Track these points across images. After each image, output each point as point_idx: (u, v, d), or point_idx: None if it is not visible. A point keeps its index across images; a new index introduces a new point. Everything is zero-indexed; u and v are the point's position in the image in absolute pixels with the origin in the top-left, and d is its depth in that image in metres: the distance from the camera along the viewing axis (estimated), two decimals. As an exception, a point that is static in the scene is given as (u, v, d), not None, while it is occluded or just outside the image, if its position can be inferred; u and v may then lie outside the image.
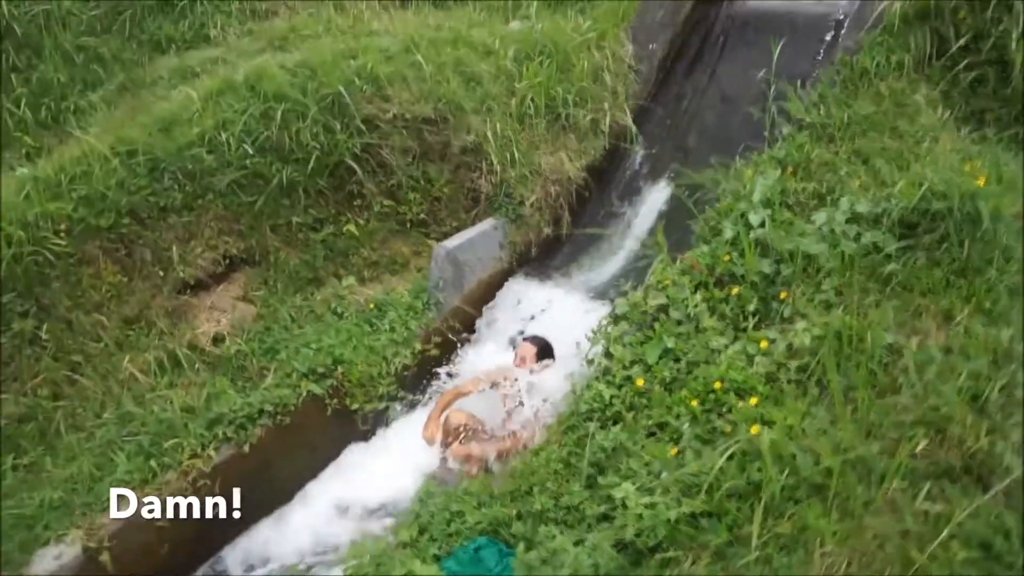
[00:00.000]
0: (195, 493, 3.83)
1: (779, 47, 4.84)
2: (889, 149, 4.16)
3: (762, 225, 3.95)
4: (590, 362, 3.84)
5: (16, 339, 4.09)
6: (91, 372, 4.27)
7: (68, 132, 5.14)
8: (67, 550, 3.45)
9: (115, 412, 4.12)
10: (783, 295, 3.63)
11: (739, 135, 5.21)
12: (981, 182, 3.57)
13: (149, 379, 4.32)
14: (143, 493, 3.71)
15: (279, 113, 4.82)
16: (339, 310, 4.91)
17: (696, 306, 3.74)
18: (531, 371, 4.42)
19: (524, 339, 4.61)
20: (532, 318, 4.97)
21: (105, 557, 3.50)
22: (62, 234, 4.22)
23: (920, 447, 2.50)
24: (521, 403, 4.25)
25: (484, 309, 5.13)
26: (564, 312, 4.93)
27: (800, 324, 3.36)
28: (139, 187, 4.50)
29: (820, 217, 3.82)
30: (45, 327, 4.17)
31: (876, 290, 3.42)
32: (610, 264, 5.35)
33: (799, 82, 4.96)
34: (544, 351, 4.52)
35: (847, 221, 3.74)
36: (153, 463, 3.81)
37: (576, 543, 2.79)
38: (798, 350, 3.28)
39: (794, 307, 3.54)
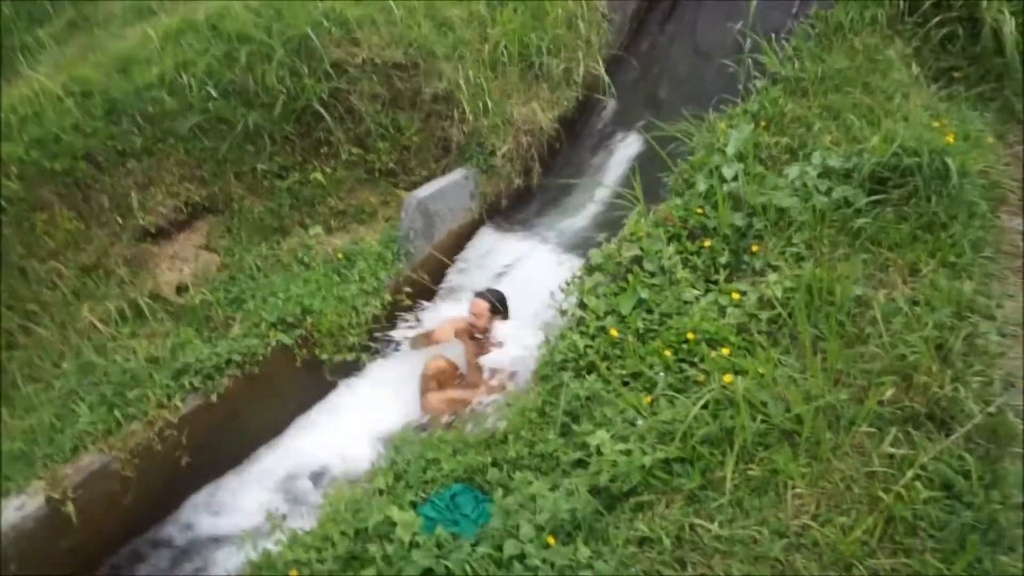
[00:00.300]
0: (162, 443, 3.77)
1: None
2: (861, 105, 4.20)
3: (735, 179, 3.96)
4: (563, 313, 3.84)
5: (-34, 287, 3.93)
6: (48, 322, 4.14)
7: (14, 71, 4.86)
8: (29, 501, 3.38)
9: (75, 362, 4.01)
10: (755, 248, 3.68)
11: (712, 88, 5.18)
12: (950, 139, 3.64)
13: (110, 329, 4.20)
14: (107, 444, 3.63)
15: (243, 55, 4.63)
16: (306, 260, 4.81)
17: (669, 258, 3.75)
18: (485, 329, 4.31)
19: (476, 295, 4.38)
20: (503, 269, 4.94)
21: (69, 508, 3.43)
22: (13, 178, 4.02)
23: (888, 395, 2.58)
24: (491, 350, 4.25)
25: (455, 260, 5.08)
26: (534, 264, 4.91)
27: (772, 276, 3.41)
28: (95, 130, 4.31)
29: (792, 171, 3.86)
30: (-2, 274, 4.01)
31: (846, 243, 3.48)
32: (580, 216, 5.32)
33: (774, 35, 4.94)
34: (496, 307, 4.35)
35: (819, 176, 3.79)
36: (117, 414, 3.73)
37: (552, 488, 2.83)
38: (769, 302, 3.33)
39: (765, 260, 3.59)
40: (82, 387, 3.85)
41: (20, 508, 3.34)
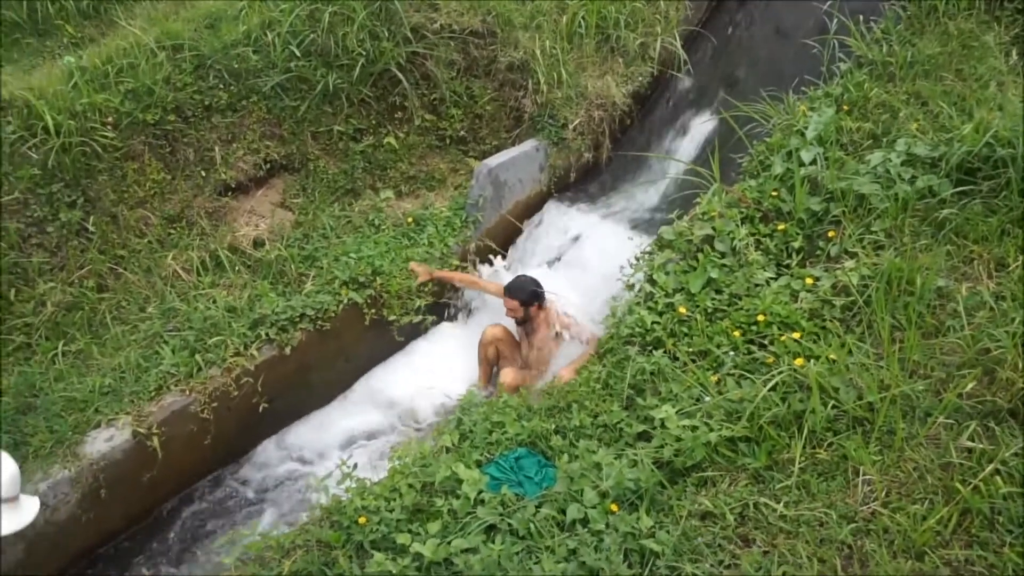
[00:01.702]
0: (238, 389, 3.95)
1: (846, -23, 4.65)
2: (952, 92, 4.05)
3: (814, 162, 3.90)
4: (631, 287, 3.86)
5: (63, 229, 4.14)
6: (135, 267, 4.34)
7: (109, 23, 5.04)
8: (118, 434, 3.59)
9: (159, 307, 4.20)
10: (831, 234, 3.62)
11: (792, 69, 5.05)
12: (1049, 131, 3.50)
13: (192, 277, 4.39)
14: (188, 387, 3.82)
15: (326, 15, 4.70)
16: (376, 222, 4.92)
17: (742, 239, 3.73)
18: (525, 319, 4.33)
19: (505, 292, 4.28)
20: (569, 242, 4.97)
21: (154, 443, 3.64)
22: (109, 127, 4.20)
23: (968, 388, 2.54)
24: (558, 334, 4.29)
25: (522, 231, 5.13)
26: (600, 238, 4.92)
27: (848, 263, 3.37)
28: (184, 84, 4.46)
29: (875, 158, 3.77)
30: (91, 219, 4.21)
31: (928, 234, 3.40)
32: (649, 194, 5.30)
33: (861, 17, 4.78)
34: (528, 300, 4.25)
35: (903, 163, 3.69)
36: (198, 358, 3.91)
37: (616, 458, 2.88)
38: (844, 288, 3.29)
39: (842, 246, 3.53)
40: (166, 331, 4.04)
41: (109, 439, 3.55)
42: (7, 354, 3.83)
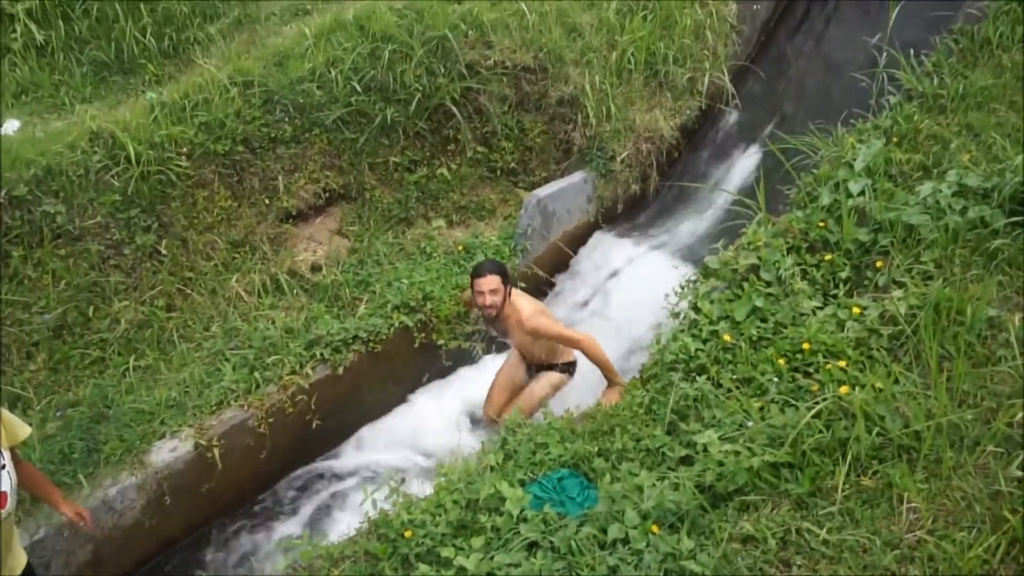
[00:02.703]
0: (293, 406, 4.12)
1: (895, 11, 4.68)
2: (1006, 123, 4.03)
3: (862, 193, 3.91)
4: (676, 315, 3.91)
5: (138, 252, 4.42)
6: (202, 288, 4.59)
7: (187, 62, 5.42)
8: (181, 445, 3.78)
9: (222, 327, 4.43)
10: (879, 264, 3.61)
11: (841, 103, 5.09)
12: (1106, 163, 3.45)
13: (253, 299, 4.62)
14: (247, 402, 4.01)
15: (386, 54, 4.97)
16: (428, 250, 5.09)
17: (787, 269, 3.75)
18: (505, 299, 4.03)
19: (476, 273, 3.98)
20: (614, 272, 5.05)
21: (214, 455, 3.82)
22: (184, 156, 4.50)
23: (1019, 417, 2.51)
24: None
25: (568, 260, 5.23)
26: (645, 268, 4.99)
27: (896, 293, 3.35)
28: (253, 117, 4.75)
29: (925, 189, 3.76)
30: (164, 243, 4.49)
31: (979, 264, 3.37)
32: (695, 225, 5.36)
33: (912, 51, 4.80)
34: (506, 276, 4.05)
35: (953, 194, 3.67)
36: (257, 375, 4.10)
37: (659, 480, 2.91)
38: (892, 318, 3.27)
39: (890, 276, 3.52)
40: (228, 349, 4.26)
41: (173, 450, 3.75)
42: (84, 367, 4.08)
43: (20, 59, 5.45)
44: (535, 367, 4.35)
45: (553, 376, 4.27)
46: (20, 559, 2.84)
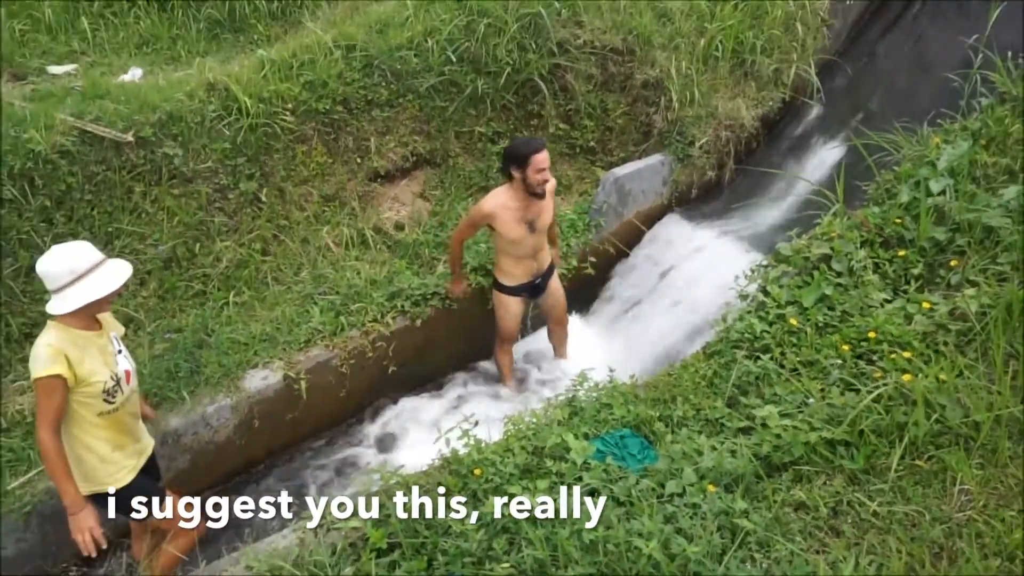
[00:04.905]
0: (372, 351, 4.42)
1: (996, 13, 4.63)
2: (1101, 132, 3.98)
3: (942, 193, 3.94)
4: (744, 297, 4.03)
5: (241, 197, 4.76)
6: (294, 236, 4.92)
7: (293, 24, 5.74)
8: (271, 375, 4.12)
9: (312, 273, 4.76)
10: (953, 263, 3.66)
11: (929, 102, 5.05)
12: None
13: (340, 250, 4.93)
14: (332, 343, 4.32)
15: (481, 27, 5.17)
16: (505, 218, 5.29)
17: (860, 261, 3.83)
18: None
19: (535, 149, 3.95)
20: (684, 254, 5.17)
21: (300, 387, 4.15)
22: (288, 112, 4.82)
23: (1080, 414, 2.58)
24: None
25: (640, 239, 5.38)
26: (714, 253, 5.08)
27: (969, 291, 3.41)
28: (353, 79, 5.03)
29: (1010, 192, 3.77)
30: (264, 191, 4.82)
31: (1059, 270, 3.39)
32: (768, 214, 5.41)
33: (1010, 53, 4.74)
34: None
35: (1039, 199, 3.69)
36: (342, 319, 4.41)
37: (719, 444, 3.08)
38: (962, 315, 3.34)
39: (964, 275, 3.57)
40: (316, 293, 4.58)
41: (264, 379, 4.09)
42: (188, 298, 4.46)
43: (143, 12, 5.87)
44: (542, 275, 4.47)
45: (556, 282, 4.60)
46: (149, 439, 3.22)
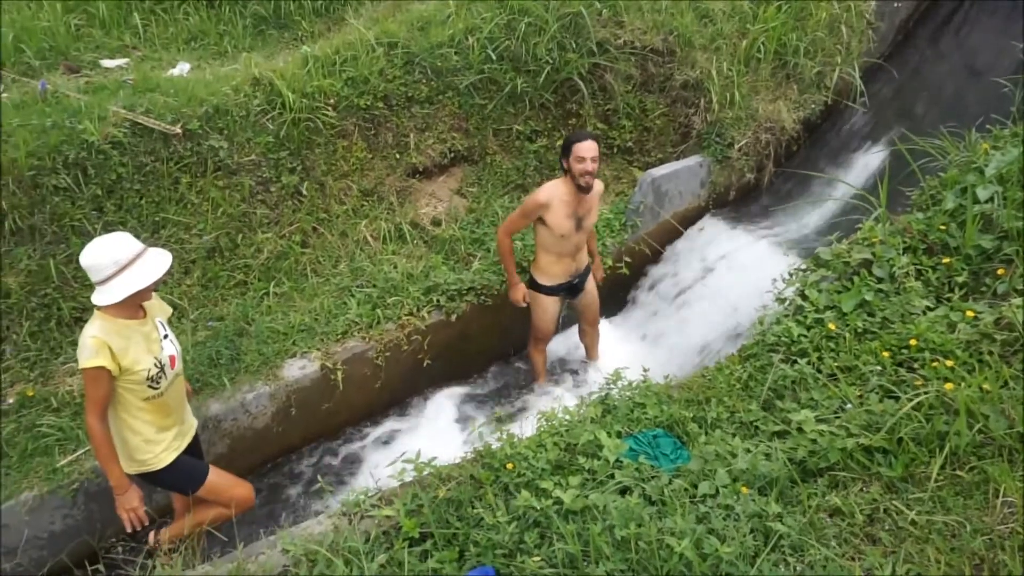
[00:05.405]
0: (408, 344, 4.47)
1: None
2: None
3: (990, 200, 3.86)
4: (782, 300, 4.00)
5: (283, 190, 4.86)
6: (333, 229, 5.00)
7: (336, 21, 5.83)
8: (309, 364, 4.19)
9: (350, 265, 4.83)
10: (1000, 272, 3.59)
11: (977, 108, 4.96)
12: None
13: (378, 244, 5.00)
14: (368, 335, 4.39)
15: (522, 25, 5.20)
16: (541, 217, 5.31)
17: (902, 267, 3.77)
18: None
19: (577, 139, 3.97)
20: (720, 256, 5.13)
21: (337, 377, 4.22)
22: (330, 107, 4.90)
23: None
24: None
25: (675, 241, 5.36)
26: (751, 256, 5.05)
27: (1016, 300, 3.34)
28: (394, 76, 5.09)
29: (1061, 200, 3.69)
30: (305, 185, 4.91)
31: (1109, 281, 3.31)
32: (806, 219, 5.36)
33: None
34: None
35: (1091, 209, 3.60)
36: (379, 312, 4.47)
37: (754, 447, 3.06)
38: (1008, 325, 3.27)
39: (1010, 285, 3.50)
40: (354, 286, 4.65)
41: (302, 368, 4.17)
42: (229, 287, 4.57)
43: (192, 9, 6.01)
44: (579, 275, 4.48)
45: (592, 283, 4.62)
46: (192, 420, 3.32)
